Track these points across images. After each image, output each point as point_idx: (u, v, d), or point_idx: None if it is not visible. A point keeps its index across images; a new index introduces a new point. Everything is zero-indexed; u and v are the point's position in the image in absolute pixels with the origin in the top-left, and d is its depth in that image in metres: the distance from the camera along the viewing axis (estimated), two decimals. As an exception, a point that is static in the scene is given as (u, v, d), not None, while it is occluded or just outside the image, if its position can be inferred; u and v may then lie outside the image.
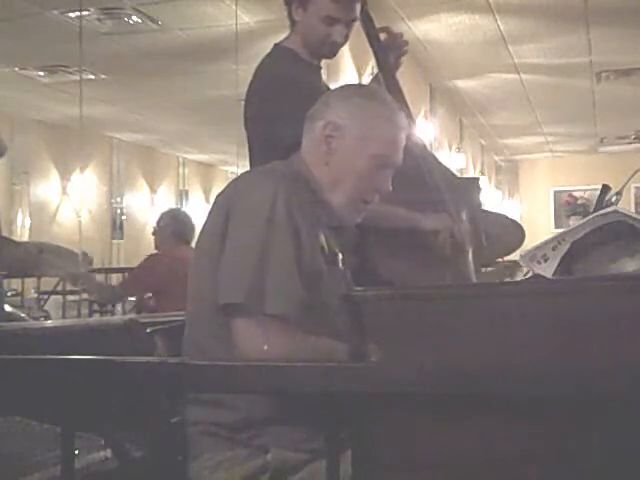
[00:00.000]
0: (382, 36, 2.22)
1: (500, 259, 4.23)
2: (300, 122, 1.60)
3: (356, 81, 5.42)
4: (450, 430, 0.87)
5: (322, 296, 1.40)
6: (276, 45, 2.15)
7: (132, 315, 3.57)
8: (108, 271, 6.34)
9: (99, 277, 5.56)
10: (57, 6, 5.37)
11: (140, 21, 5.70)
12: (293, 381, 0.96)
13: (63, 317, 5.29)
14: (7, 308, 4.01)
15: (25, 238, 7.94)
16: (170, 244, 3.91)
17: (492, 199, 11.30)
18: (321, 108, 1.57)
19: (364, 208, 1.57)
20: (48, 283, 5.55)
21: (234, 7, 5.41)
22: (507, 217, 2.80)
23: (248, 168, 1.94)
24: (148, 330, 1.56)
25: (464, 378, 0.85)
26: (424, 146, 2.27)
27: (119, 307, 5.21)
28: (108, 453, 1.53)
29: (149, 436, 1.44)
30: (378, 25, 2.21)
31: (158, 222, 4.04)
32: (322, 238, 1.46)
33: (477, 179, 2.87)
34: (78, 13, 5.51)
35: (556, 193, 12.58)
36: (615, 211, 1.27)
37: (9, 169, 8.12)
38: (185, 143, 10.44)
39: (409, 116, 2.12)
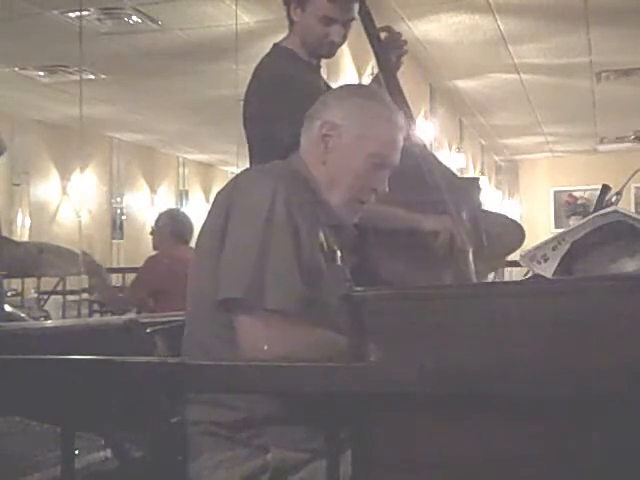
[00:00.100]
0: (382, 35, 2.22)
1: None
2: (299, 122, 1.60)
3: (356, 81, 5.42)
4: (450, 430, 0.87)
5: (321, 292, 1.40)
6: (275, 45, 2.15)
7: (132, 315, 3.56)
8: (108, 271, 6.33)
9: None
10: (57, 6, 5.37)
11: (140, 21, 5.70)
12: (293, 381, 0.96)
13: (63, 317, 5.29)
14: (7, 308, 4.01)
15: (25, 238, 7.94)
16: (169, 244, 3.90)
17: (492, 199, 11.30)
18: (319, 108, 1.58)
19: (360, 208, 1.57)
20: (48, 283, 5.55)
21: (234, 7, 5.41)
22: (507, 217, 2.79)
23: (248, 168, 1.95)
24: (148, 330, 1.56)
25: (464, 378, 0.85)
26: (424, 146, 2.27)
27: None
28: (108, 453, 1.53)
29: (149, 436, 1.44)
30: (378, 25, 2.22)
31: (156, 222, 4.04)
32: (321, 235, 1.47)
33: (477, 179, 2.86)
34: (78, 13, 5.51)
35: (556, 193, 12.58)
36: (615, 211, 1.27)
37: (9, 169, 8.12)
38: (185, 143, 10.45)
39: (409, 116, 2.12)
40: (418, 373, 0.87)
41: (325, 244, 1.47)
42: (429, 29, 6.21)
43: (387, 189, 1.58)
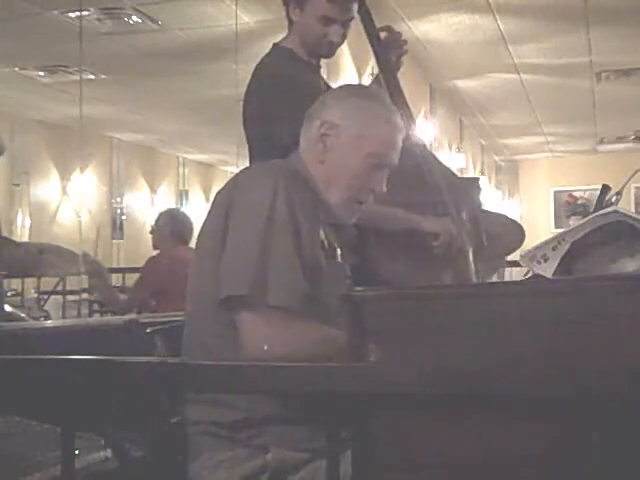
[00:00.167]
0: (382, 35, 2.22)
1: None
2: (298, 121, 1.60)
3: (356, 81, 5.42)
4: (450, 430, 0.87)
5: (322, 289, 1.41)
6: (275, 45, 2.15)
7: (132, 315, 3.56)
8: (108, 271, 6.33)
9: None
10: (57, 6, 5.37)
11: (140, 21, 5.70)
12: (293, 381, 0.96)
13: (63, 317, 5.29)
14: (7, 308, 4.01)
15: (25, 238, 7.94)
16: (169, 244, 3.90)
17: (492, 199, 11.30)
18: (319, 107, 1.58)
19: (359, 208, 1.57)
20: (48, 283, 5.55)
21: (234, 7, 5.41)
22: (507, 217, 2.79)
23: (248, 168, 1.95)
24: (148, 330, 1.56)
25: (464, 378, 0.85)
26: (424, 146, 2.27)
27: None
28: (108, 453, 1.53)
29: (149, 436, 1.44)
30: (378, 24, 2.22)
31: (157, 222, 4.03)
32: (322, 233, 1.47)
33: (477, 179, 2.86)
34: (78, 13, 5.51)
35: (556, 193, 12.58)
36: (615, 211, 1.27)
37: (9, 169, 8.12)
38: (185, 143, 10.45)
39: (409, 116, 2.12)
40: (418, 373, 0.87)
41: (326, 241, 1.48)
42: (429, 29, 6.21)
43: (385, 189, 1.58)
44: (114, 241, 9.41)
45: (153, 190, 10.55)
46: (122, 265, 8.32)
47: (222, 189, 1.50)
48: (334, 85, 2.00)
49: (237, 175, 1.54)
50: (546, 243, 1.30)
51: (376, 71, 2.28)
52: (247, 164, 2.05)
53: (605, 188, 1.53)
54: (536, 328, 0.85)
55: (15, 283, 5.60)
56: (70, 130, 7.72)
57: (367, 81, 5.38)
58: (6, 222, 7.58)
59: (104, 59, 6.43)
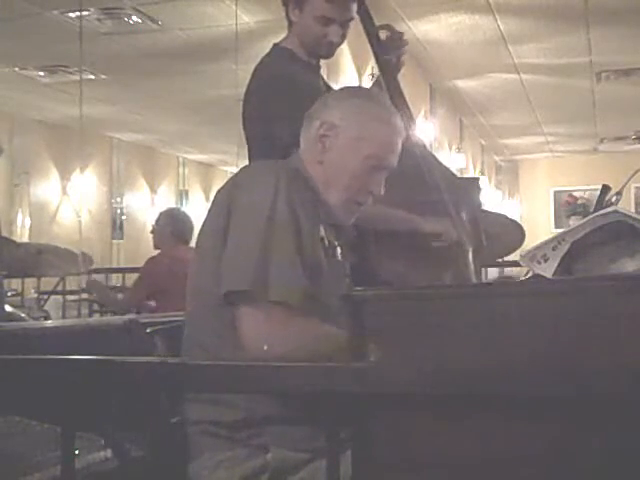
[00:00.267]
0: (383, 35, 2.22)
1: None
2: (298, 121, 1.60)
3: (356, 81, 5.42)
4: (450, 430, 0.87)
5: (322, 287, 1.41)
6: (275, 45, 2.15)
7: (132, 315, 3.56)
8: (108, 271, 6.34)
9: (99, 277, 5.57)
10: (57, 6, 5.37)
11: (140, 21, 5.70)
12: (293, 381, 0.96)
13: (63, 317, 5.29)
14: (7, 308, 4.01)
15: (25, 238, 7.94)
16: (169, 244, 3.90)
17: (492, 199, 11.31)
18: (319, 108, 1.58)
19: (357, 209, 1.58)
20: (48, 283, 5.55)
21: (234, 7, 5.41)
22: (507, 217, 2.80)
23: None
24: (148, 330, 1.56)
25: (464, 378, 0.85)
26: (424, 146, 2.27)
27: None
28: (108, 453, 1.53)
29: (149, 436, 1.44)
30: (378, 24, 2.21)
31: (157, 221, 4.04)
32: (322, 231, 1.47)
33: (477, 179, 2.87)
34: (78, 13, 5.51)
35: (556, 193, 12.58)
36: (615, 211, 1.27)
37: (9, 169, 8.13)
38: (185, 143, 10.45)
39: (410, 117, 2.12)
40: (418, 373, 0.87)
41: (326, 239, 1.48)
42: (429, 29, 6.22)
43: (383, 192, 1.57)
44: (114, 241, 9.42)
45: (153, 190, 10.55)
46: (122, 265, 8.33)
47: (222, 188, 1.50)
48: (334, 85, 2.00)
49: (237, 174, 1.54)
50: (546, 243, 1.29)
51: (376, 71, 2.28)
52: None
53: (605, 188, 1.53)
54: (536, 328, 0.85)
55: (15, 283, 5.60)
56: (70, 130, 7.72)
57: (367, 81, 5.39)
58: (6, 222, 7.58)
59: (104, 59, 6.43)
